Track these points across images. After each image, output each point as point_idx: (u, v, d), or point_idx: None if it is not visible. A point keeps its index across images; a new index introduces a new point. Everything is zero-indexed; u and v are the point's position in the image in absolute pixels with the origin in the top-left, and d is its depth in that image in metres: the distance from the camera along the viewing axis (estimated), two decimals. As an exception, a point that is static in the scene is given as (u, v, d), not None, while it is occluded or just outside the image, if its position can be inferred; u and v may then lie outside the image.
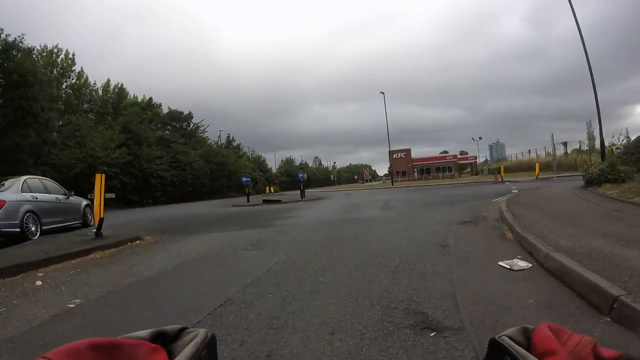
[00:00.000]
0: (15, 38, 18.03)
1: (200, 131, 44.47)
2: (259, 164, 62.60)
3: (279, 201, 16.95)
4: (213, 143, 46.65)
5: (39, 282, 3.70)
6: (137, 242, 5.90)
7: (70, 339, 0.33)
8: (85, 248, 5.10)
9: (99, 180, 5.73)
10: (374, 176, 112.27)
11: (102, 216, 5.92)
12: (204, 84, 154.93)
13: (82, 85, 34.07)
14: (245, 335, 2.14)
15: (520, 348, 0.37)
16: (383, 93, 36.58)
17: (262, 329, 2.20)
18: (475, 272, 3.14)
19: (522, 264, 3.18)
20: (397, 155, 60.84)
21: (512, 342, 0.38)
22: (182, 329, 0.41)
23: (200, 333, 0.40)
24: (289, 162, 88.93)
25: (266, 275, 3.47)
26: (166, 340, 0.39)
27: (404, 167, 60.36)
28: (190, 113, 43.45)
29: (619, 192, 7.52)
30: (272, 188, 39.09)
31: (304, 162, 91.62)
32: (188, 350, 0.36)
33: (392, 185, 35.51)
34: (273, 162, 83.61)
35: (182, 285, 3.46)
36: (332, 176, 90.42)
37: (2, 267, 4.04)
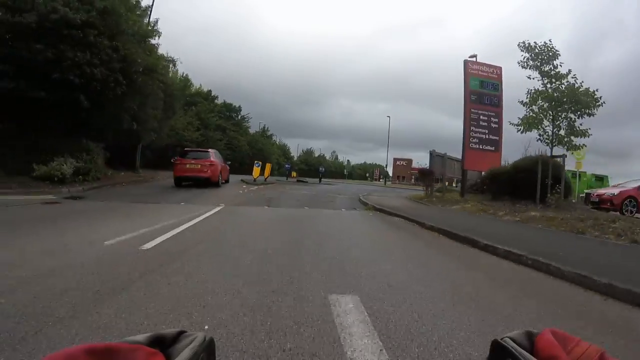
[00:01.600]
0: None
1: (245, 120, 57.46)
2: (284, 151, 75.85)
3: (306, 182, 29.74)
4: (253, 132, 59.66)
5: (272, 185, 16.70)
6: (276, 182, 18.84)
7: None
8: (266, 183, 18.04)
9: (269, 165, 18.72)
10: (386, 176, 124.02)
11: (269, 174, 18.95)
12: (237, 62, 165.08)
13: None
14: (312, 189, 14.99)
15: (523, 351, 0.38)
16: (389, 117, 48.94)
17: (315, 188, 15.00)
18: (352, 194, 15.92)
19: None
20: (400, 163, 73.41)
21: (514, 345, 0.39)
22: (180, 333, 0.41)
23: (199, 337, 0.40)
24: (308, 152, 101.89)
25: (312, 192, 16.19)
26: (164, 344, 0.39)
27: (404, 173, 72.85)
28: (239, 106, 56.19)
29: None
30: (294, 173, 52.01)
31: (322, 154, 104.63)
32: (186, 354, 0.37)
33: (385, 185, 47.96)
34: (294, 149, 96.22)
35: (299, 189, 16.28)
36: (345, 171, 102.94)
37: (270, 182, 17.08)
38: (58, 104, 9.63)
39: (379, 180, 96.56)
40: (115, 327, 2.09)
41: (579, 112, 9.67)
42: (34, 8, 8.76)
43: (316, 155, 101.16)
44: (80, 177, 10.05)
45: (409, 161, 75.34)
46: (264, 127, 66.81)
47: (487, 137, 16.04)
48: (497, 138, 16.28)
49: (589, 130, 9.93)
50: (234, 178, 19.63)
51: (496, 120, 16.42)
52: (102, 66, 9.87)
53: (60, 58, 9.08)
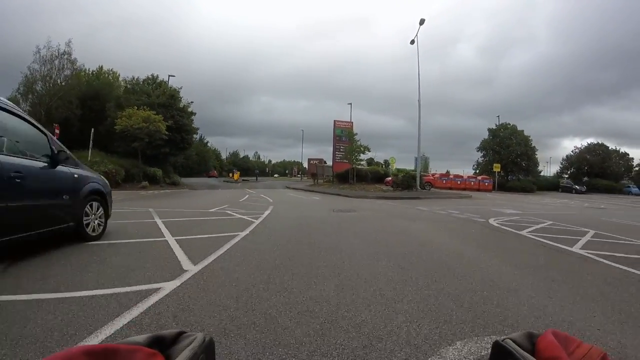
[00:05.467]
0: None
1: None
2: (217, 155, 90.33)
3: (248, 180, 46.36)
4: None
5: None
6: (242, 181, 35.30)
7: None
8: (240, 182, 34.49)
9: (238, 173, 35.04)
10: (303, 172, 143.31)
11: (238, 177, 35.36)
12: (159, 57, 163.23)
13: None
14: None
15: (524, 352, 0.38)
16: (302, 130, 66.93)
17: (261, 183, 32.13)
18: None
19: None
20: (313, 162, 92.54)
21: (515, 346, 0.39)
22: (180, 333, 0.41)
23: (198, 337, 0.41)
24: (235, 154, 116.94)
25: (262, 185, 33.29)
26: (163, 344, 0.39)
27: (314, 170, 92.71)
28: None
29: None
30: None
31: (246, 154, 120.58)
32: (185, 354, 0.37)
33: (300, 180, 66.02)
34: (222, 151, 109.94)
35: (256, 184, 33.15)
36: (267, 169, 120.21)
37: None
38: (170, 154, 25.40)
39: (297, 176, 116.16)
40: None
41: (361, 153, 28.35)
42: (173, 118, 24.31)
43: (241, 156, 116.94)
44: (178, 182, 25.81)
45: (321, 160, 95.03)
46: (201, 135, 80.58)
47: (343, 155, 34.55)
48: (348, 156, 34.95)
49: (364, 158, 28.81)
50: (204, 180, 35.60)
51: (345, 147, 35.13)
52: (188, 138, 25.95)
53: (183, 139, 24.85)
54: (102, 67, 36.19)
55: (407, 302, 2.99)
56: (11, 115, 4.02)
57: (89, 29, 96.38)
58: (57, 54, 25.50)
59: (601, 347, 0.38)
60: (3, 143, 3.77)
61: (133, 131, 20.28)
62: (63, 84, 26.44)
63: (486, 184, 39.78)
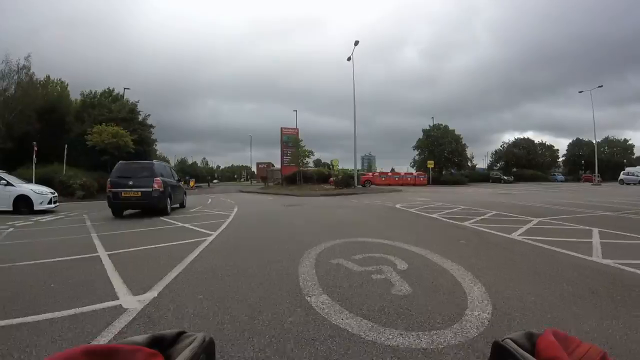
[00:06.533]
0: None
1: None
2: (166, 162, 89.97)
3: (201, 186, 48.24)
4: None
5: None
6: (197, 188, 37.57)
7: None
8: (197, 188, 36.80)
9: (194, 180, 37.21)
10: (252, 176, 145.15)
11: (194, 184, 37.59)
12: (103, 58, 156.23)
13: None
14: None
15: (524, 352, 0.38)
16: (251, 135, 69.24)
17: (215, 189, 34.80)
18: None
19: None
20: (262, 166, 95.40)
21: (515, 346, 0.40)
22: (180, 333, 0.42)
23: (198, 337, 0.41)
24: (183, 162, 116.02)
25: (218, 189, 35.89)
26: (163, 345, 0.40)
27: (265, 174, 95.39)
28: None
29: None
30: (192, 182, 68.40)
31: (195, 161, 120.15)
32: (185, 354, 0.37)
33: (250, 184, 68.48)
34: (167, 156, 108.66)
35: (210, 189, 35.62)
36: (215, 174, 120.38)
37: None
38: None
39: (247, 180, 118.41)
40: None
41: (306, 157, 32.08)
42: (136, 132, 26.22)
43: (189, 162, 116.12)
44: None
45: (270, 164, 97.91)
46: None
47: (290, 159, 37.99)
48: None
49: (309, 161, 32.63)
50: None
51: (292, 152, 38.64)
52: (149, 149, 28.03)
53: (144, 150, 26.84)
54: (49, 76, 36.29)
55: (322, 235, 6.60)
56: (169, 167, 14.80)
57: (29, 30, 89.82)
58: (16, 69, 26.13)
59: (597, 344, 0.40)
60: (173, 176, 13.73)
61: (104, 146, 22.28)
62: (18, 94, 26.10)
63: (421, 179, 45.00)
